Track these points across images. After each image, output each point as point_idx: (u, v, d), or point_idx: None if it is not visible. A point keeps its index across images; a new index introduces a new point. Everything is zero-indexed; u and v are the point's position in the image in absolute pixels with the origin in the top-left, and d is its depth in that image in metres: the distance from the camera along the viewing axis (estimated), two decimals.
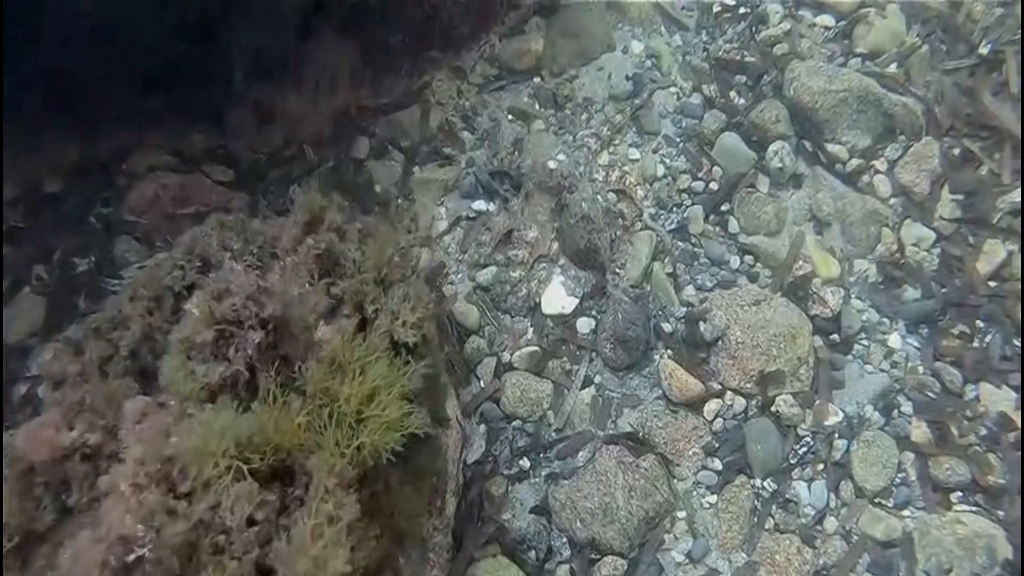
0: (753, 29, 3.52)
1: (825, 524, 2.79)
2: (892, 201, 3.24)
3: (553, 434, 2.96)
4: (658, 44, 3.55)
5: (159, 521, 1.45)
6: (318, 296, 2.04)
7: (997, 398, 2.89)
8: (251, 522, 1.53)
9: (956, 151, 3.27)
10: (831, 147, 3.25)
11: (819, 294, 3.06)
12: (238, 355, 1.85)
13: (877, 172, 3.27)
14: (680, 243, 3.21)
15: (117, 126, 3.13)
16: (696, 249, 3.20)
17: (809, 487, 2.84)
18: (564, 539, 2.80)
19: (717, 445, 2.89)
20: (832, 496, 2.83)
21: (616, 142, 3.40)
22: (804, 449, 2.88)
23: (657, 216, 3.26)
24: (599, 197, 3.20)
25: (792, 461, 2.87)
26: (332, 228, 2.25)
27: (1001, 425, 2.85)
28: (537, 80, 3.52)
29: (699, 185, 3.29)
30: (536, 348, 3.06)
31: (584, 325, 3.09)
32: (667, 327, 3.06)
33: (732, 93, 3.42)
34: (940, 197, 3.21)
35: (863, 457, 2.84)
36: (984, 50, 3.38)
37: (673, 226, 3.23)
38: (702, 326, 2.97)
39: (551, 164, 3.30)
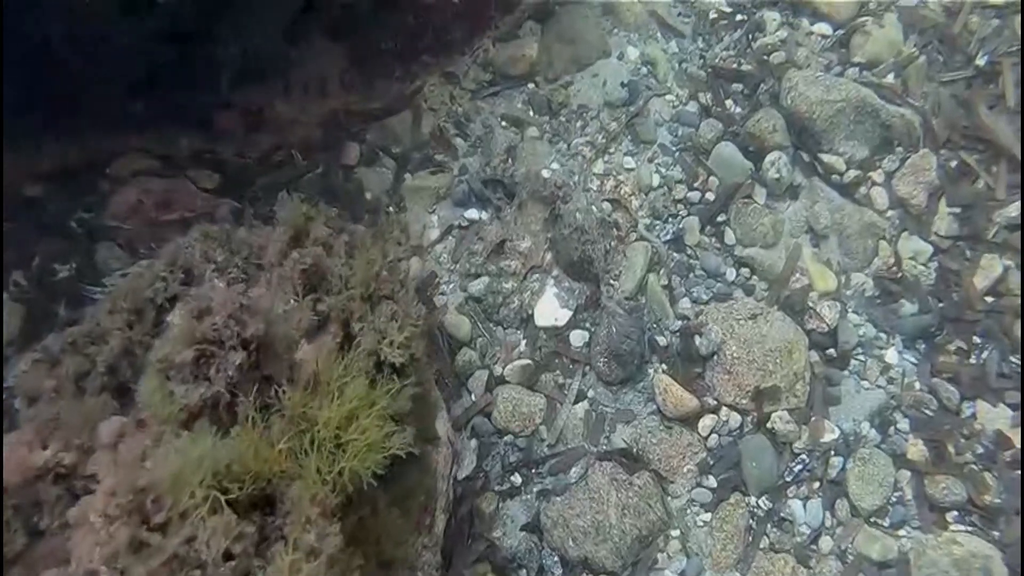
0: (750, 37, 3.47)
1: (820, 544, 2.75)
2: (889, 213, 3.20)
3: (545, 450, 2.90)
4: (654, 51, 3.49)
5: (124, 562, 1.37)
6: (303, 313, 1.97)
7: (994, 416, 2.87)
8: (228, 556, 1.46)
9: (953, 163, 3.24)
10: (828, 158, 3.21)
11: (815, 308, 3.02)
12: (219, 376, 1.78)
13: (874, 184, 3.23)
14: (676, 254, 3.16)
15: (100, 129, 3.06)
16: (692, 261, 3.15)
17: (804, 505, 2.80)
18: (556, 558, 2.75)
19: (712, 462, 2.84)
20: (828, 515, 2.79)
21: (611, 150, 3.35)
22: (800, 467, 2.84)
23: (652, 227, 3.20)
24: (593, 207, 3.14)
25: (787, 479, 2.83)
26: (318, 242, 2.18)
27: (998, 444, 2.82)
28: (531, 86, 3.46)
29: (695, 195, 3.24)
30: (529, 361, 3.00)
31: (578, 338, 3.03)
32: (662, 341, 3.01)
33: (729, 102, 3.37)
34: (937, 210, 3.18)
35: (859, 475, 2.80)
36: (981, 61, 3.35)
37: (668, 237, 3.18)
38: (697, 340, 2.93)
39: (545, 173, 3.24)
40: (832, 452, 2.85)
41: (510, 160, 3.29)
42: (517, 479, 2.86)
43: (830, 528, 2.78)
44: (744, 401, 2.86)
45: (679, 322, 3.03)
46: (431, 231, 3.23)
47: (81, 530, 1.50)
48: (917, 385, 2.95)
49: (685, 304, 3.07)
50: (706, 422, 2.87)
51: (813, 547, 2.75)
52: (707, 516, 2.79)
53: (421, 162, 3.33)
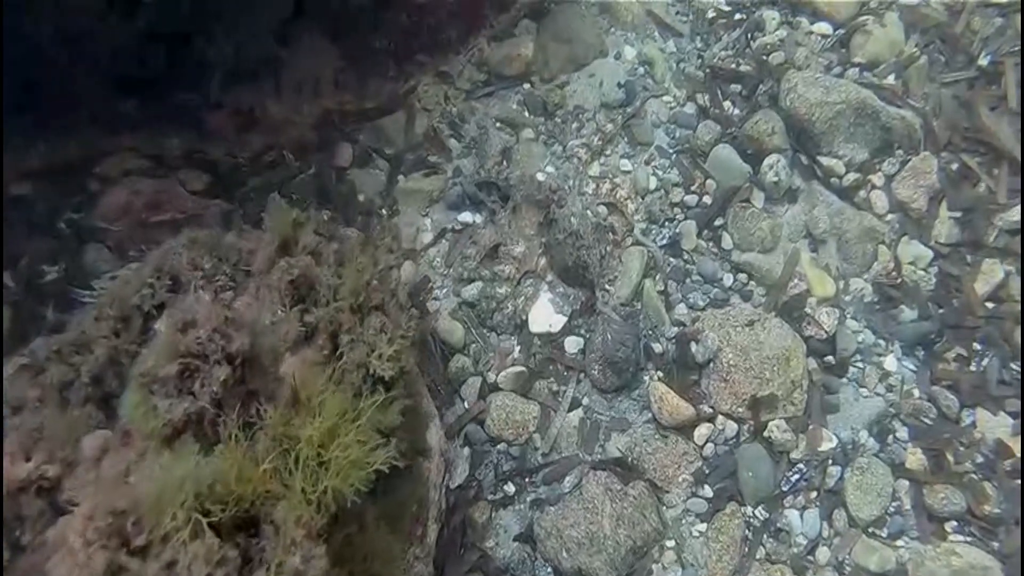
0: (749, 36, 3.42)
1: (817, 554, 2.72)
2: (889, 217, 3.15)
3: (539, 458, 2.86)
4: (651, 50, 3.44)
5: None
6: (290, 325, 1.93)
7: (994, 424, 2.83)
8: None
9: (954, 166, 3.19)
10: (827, 161, 3.16)
11: (814, 314, 2.98)
12: (203, 391, 1.74)
13: (874, 187, 3.18)
14: (672, 259, 3.11)
15: (90, 128, 3.01)
16: (688, 266, 3.11)
17: (801, 516, 2.77)
18: (549, 569, 2.72)
19: (708, 471, 2.81)
20: (825, 525, 2.76)
21: (607, 152, 3.30)
22: (797, 476, 2.80)
23: (648, 231, 3.16)
24: (589, 211, 3.10)
25: (784, 488, 2.79)
26: (307, 249, 2.14)
27: (997, 453, 2.79)
28: (527, 86, 3.40)
29: (692, 199, 3.19)
30: (523, 368, 2.96)
31: (572, 344, 2.99)
32: (658, 347, 2.97)
33: (727, 103, 3.32)
34: (938, 214, 3.13)
35: (857, 485, 2.76)
36: (983, 61, 3.30)
37: (665, 242, 3.13)
38: (693, 347, 2.89)
39: (540, 176, 3.19)
40: (830, 461, 2.81)
41: (505, 162, 3.24)
42: (510, 488, 2.82)
43: (827, 539, 2.75)
44: (741, 409, 2.83)
45: (675, 329, 2.99)
46: (424, 234, 3.18)
47: (60, 553, 1.46)
48: (916, 393, 2.92)
49: (681, 310, 3.03)
50: (702, 431, 2.84)
51: (810, 558, 2.72)
52: (703, 526, 2.76)
53: (415, 164, 3.28)
